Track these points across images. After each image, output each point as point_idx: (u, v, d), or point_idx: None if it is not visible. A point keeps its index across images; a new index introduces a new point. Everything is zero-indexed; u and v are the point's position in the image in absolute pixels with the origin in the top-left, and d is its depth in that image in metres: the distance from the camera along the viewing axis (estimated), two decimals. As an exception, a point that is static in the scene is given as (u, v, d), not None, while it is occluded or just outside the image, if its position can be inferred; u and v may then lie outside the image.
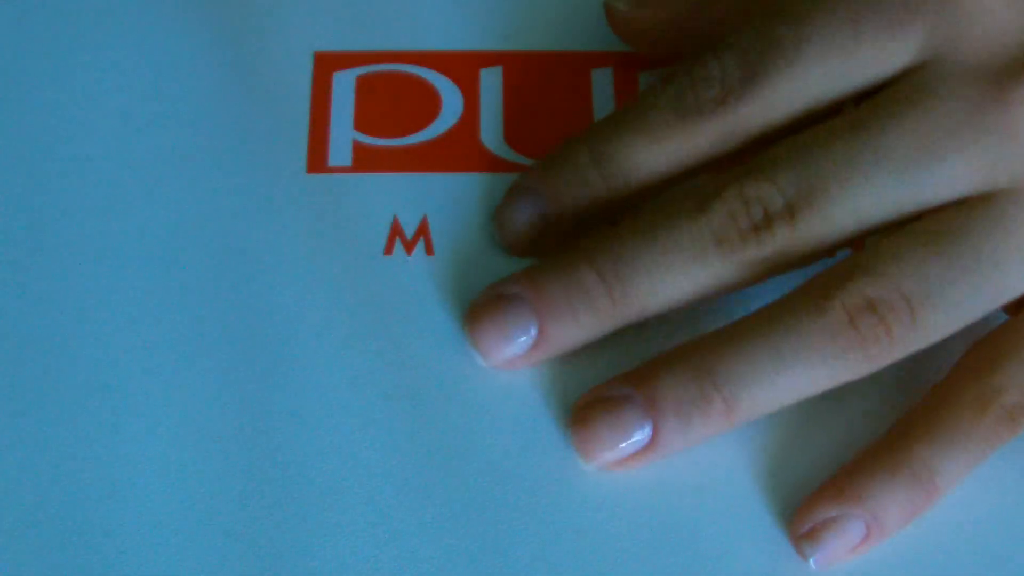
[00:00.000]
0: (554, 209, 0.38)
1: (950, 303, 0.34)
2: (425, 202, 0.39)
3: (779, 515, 0.36)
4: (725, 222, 0.35)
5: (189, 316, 0.38)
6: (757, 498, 0.36)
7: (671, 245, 0.35)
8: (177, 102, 0.41)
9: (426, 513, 0.35)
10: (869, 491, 0.34)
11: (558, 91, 0.41)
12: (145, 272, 0.38)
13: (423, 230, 0.39)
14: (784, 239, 0.34)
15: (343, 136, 0.40)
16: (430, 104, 0.41)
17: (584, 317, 0.36)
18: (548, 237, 0.38)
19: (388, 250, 0.39)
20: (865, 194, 0.34)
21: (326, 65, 0.41)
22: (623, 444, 0.35)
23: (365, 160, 0.40)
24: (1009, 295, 0.34)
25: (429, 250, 0.39)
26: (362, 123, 0.41)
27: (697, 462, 0.36)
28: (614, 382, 0.36)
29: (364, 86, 0.41)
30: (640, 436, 0.35)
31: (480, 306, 0.37)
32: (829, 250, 0.35)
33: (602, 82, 0.41)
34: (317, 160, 0.40)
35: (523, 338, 0.36)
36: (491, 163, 0.40)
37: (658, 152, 0.36)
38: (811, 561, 0.35)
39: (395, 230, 0.39)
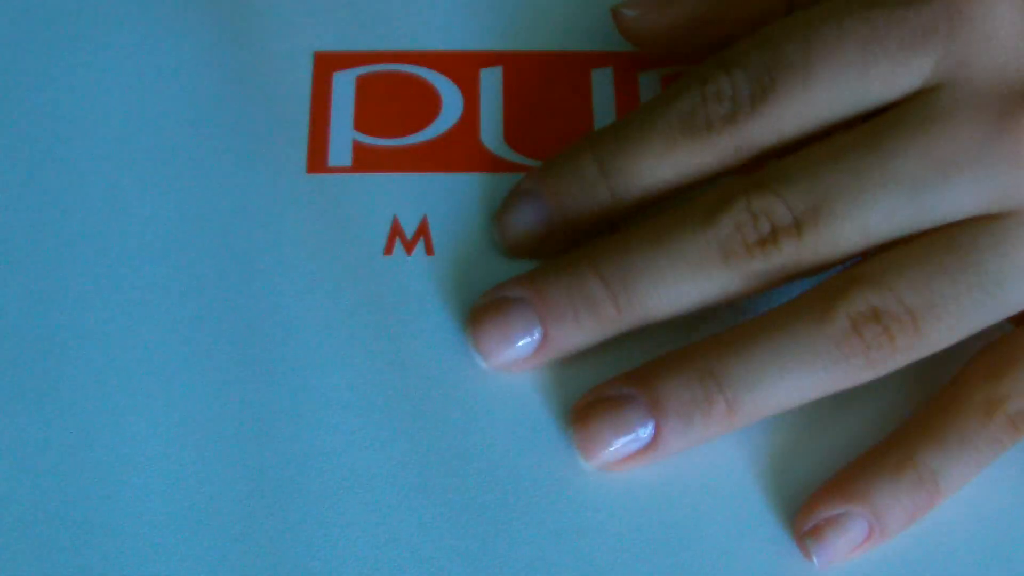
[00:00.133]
0: (558, 216, 0.38)
1: (953, 317, 0.34)
2: (425, 202, 0.39)
3: (780, 516, 0.36)
4: (732, 234, 0.35)
5: (189, 316, 0.38)
6: (758, 499, 0.36)
7: (677, 254, 0.35)
8: (177, 102, 0.41)
9: (426, 513, 0.35)
10: (873, 490, 0.35)
11: (558, 91, 0.41)
12: (145, 272, 0.38)
13: (423, 230, 0.39)
14: (790, 253, 0.35)
15: (343, 136, 0.40)
16: (430, 104, 0.41)
17: (587, 322, 0.36)
18: (550, 242, 0.38)
19: (388, 250, 0.39)
20: (872, 212, 0.34)
21: (326, 65, 0.41)
22: (624, 443, 0.35)
23: (365, 160, 0.40)
24: (1011, 310, 0.35)
25: (429, 250, 0.39)
26: (362, 123, 0.41)
27: (698, 463, 0.36)
28: (616, 382, 0.36)
29: (364, 86, 0.41)
30: (642, 436, 0.35)
31: (482, 308, 0.37)
32: (834, 264, 0.35)
33: (602, 82, 0.41)
34: (317, 160, 0.40)
35: (525, 341, 0.36)
36: (491, 163, 0.40)
37: (665, 165, 0.36)
38: (814, 559, 0.35)
39: (395, 230, 0.39)
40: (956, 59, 0.35)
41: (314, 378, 0.37)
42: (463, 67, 0.42)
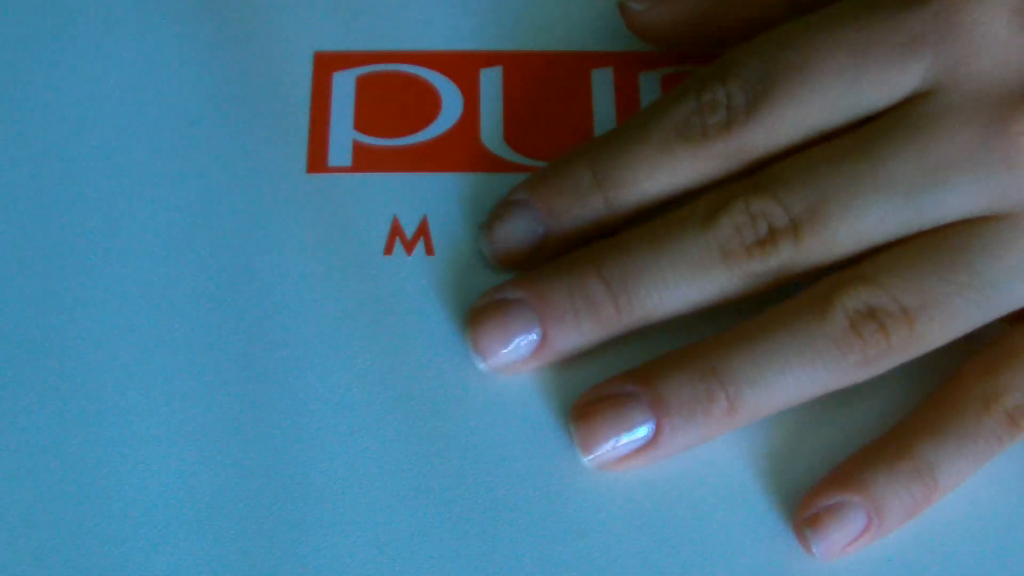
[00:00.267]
0: (553, 227, 0.38)
1: (947, 316, 0.34)
2: (425, 202, 0.39)
3: (780, 516, 0.36)
4: (731, 235, 0.35)
5: (189, 316, 0.38)
6: (758, 499, 0.36)
7: (678, 255, 0.35)
8: (177, 102, 0.41)
9: (426, 513, 0.35)
10: (870, 480, 0.35)
11: (558, 91, 0.41)
12: (145, 272, 0.38)
13: (423, 230, 0.39)
14: (788, 255, 0.35)
15: (343, 136, 0.40)
16: (430, 104, 0.41)
17: (587, 324, 0.36)
18: (541, 255, 0.38)
19: (388, 250, 0.39)
20: (867, 216, 0.35)
21: (326, 65, 0.41)
22: (625, 441, 0.35)
23: (365, 160, 0.40)
24: (1004, 310, 0.35)
25: (429, 250, 0.39)
26: (362, 123, 0.41)
27: (697, 463, 0.36)
28: (617, 380, 0.36)
29: (364, 86, 0.41)
30: (642, 433, 0.35)
31: (482, 309, 0.37)
32: (831, 265, 0.36)
33: (602, 82, 0.41)
34: (317, 160, 0.40)
35: (525, 343, 0.36)
36: (491, 163, 0.40)
37: (661, 174, 0.37)
38: (813, 549, 0.35)
39: (395, 230, 0.39)
40: (948, 64, 0.35)
41: (314, 378, 0.37)
42: (463, 67, 0.42)
